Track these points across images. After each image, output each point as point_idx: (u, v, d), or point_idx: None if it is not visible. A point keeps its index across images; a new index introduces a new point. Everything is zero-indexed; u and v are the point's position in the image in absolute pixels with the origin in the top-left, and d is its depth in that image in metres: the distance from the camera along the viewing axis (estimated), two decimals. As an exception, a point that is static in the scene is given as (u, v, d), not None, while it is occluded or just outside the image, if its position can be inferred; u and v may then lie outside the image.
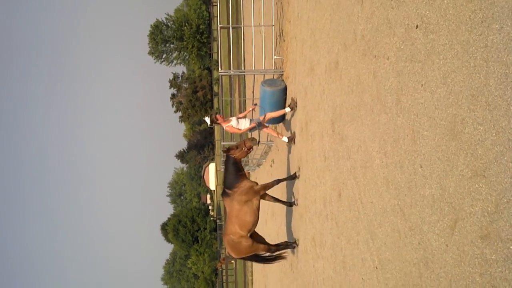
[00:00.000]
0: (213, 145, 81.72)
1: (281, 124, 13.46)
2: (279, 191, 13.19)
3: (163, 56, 79.43)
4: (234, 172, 10.14)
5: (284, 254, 11.20)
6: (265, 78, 12.83)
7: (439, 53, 3.99)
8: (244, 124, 11.50)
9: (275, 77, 12.94)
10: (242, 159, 11.09)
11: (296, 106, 11.06)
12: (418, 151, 4.40)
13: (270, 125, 13.36)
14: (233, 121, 11.47)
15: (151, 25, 75.95)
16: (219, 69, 13.02)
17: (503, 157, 3.11)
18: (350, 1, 6.50)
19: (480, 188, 3.38)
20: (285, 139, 11.87)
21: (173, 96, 75.89)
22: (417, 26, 4.43)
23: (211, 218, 75.95)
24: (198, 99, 69.98)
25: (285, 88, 12.07)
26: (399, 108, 4.86)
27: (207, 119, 76.12)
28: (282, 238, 13.01)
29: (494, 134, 3.21)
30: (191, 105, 70.50)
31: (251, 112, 12.14)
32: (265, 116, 11.61)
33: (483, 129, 3.34)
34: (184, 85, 75.45)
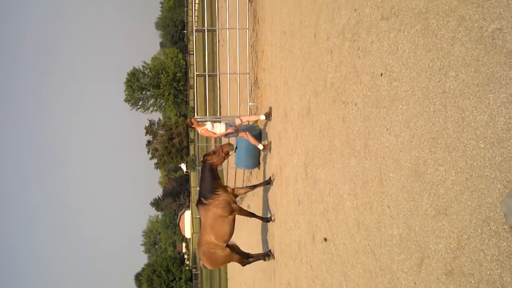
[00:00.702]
0: (189, 192, 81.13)
1: (255, 170, 13.61)
2: (254, 236, 13.19)
3: (139, 103, 79.70)
4: (210, 179, 9.92)
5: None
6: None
7: (402, 99, 4.23)
8: (220, 129, 11.32)
9: (250, 123, 13.18)
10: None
11: (270, 116, 11.16)
12: (386, 192, 4.58)
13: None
14: (208, 125, 11.32)
15: (127, 72, 76.54)
16: (195, 115, 13.24)
17: (462, 195, 3.30)
18: (320, 51, 6.81)
19: (443, 226, 3.54)
20: (261, 146, 11.75)
21: (149, 142, 75.72)
22: (381, 74, 4.69)
23: (187, 268, 74.55)
24: (174, 145, 69.96)
25: (260, 134, 12.30)
26: (367, 151, 5.07)
27: (183, 166, 75.89)
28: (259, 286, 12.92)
29: (453, 174, 3.41)
30: (167, 152, 70.35)
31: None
32: (241, 119, 11.56)
33: (444, 169, 3.54)
34: (160, 132, 75.46)
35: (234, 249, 10.53)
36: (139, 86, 76.13)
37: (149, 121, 75.33)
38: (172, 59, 75.81)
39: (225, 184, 11.74)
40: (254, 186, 11.29)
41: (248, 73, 13.48)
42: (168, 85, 71.77)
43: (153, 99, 78.22)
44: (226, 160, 10.80)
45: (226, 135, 11.45)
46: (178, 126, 71.80)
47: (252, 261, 11.12)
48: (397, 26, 4.37)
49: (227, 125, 11.40)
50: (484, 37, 3.10)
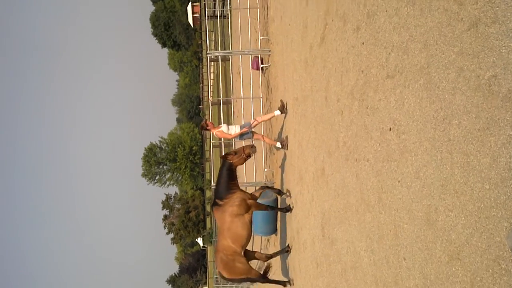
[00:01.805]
0: (206, 268, 79.85)
1: (273, 236, 13.57)
2: None
3: (156, 178, 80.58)
4: (227, 180, 9.70)
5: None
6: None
7: (411, 151, 4.40)
8: (235, 130, 11.28)
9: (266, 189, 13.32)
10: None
11: (286, 109, 11.09)
12: (401, 244, 4.64)
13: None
14: (223, 127, 11.25)
15: (145, 148, 78.09)
16: (212, 185, 13.43)
17: (472, 238, 3.38)
18: (332, 113, 7.08)
19: (456, 271, 3.59)
20: (279, 145, 11.65)
21: (166, 217, 75.76)
22: (390, 129, 4.90)
23: None
24: (191, 219, 69.85)
25: (276, 199, 12.41)
26: (381, 205, 5.17)
27: (200, 240, 75.31)
28: None
29: (463, 218, 3.51)
30: (184, 226, 70.16)
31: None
32: (256, 120, 11.50)
33: (454, 215, 3.64)
34: (177, 206, 75.66)
35: (251, 256, 10.23)
36: (156, 161, 77.36)
37: (166, 195, 75.81)
38: (188, 134, 77.46)
39: None
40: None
41: (264, 140, 13.77)
42: (185, 158, 72.85)
43: (169, 173, 79.10)
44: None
45: (241, 135, 11.36)
46: (195, 199, 72.06)
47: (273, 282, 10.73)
48: (402, 83, 4.62)
49: (242, 127, 11.36)
50: (481, 85, 3.31)
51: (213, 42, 38.26)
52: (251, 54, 14.97)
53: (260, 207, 10.13)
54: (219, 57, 15.23)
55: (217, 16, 27.98)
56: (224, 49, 26.57)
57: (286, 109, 11.20)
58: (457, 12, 3.68)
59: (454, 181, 3.63)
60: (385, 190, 5.05)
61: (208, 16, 22.00)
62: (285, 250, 10.99)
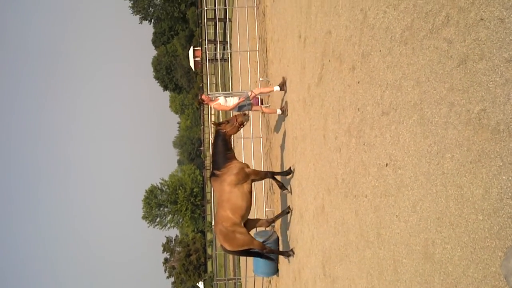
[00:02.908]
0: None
1: (274, 277, 13.44)
2: None
3: (157, 220, 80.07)
4: (223, 150, 9.50)
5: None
6: (257, 230, 13.17)
7: (407, 185, 4.48)
8: (233, 101, 11.07)
9: (266, 229, 13.29)
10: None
11: (284, 86, 10.99)
12: (401, 279, 4.65)
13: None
14: (221, 99, 11.08)
15: (146, 190, 77.93)
16: (212, 224, 13.41)
17: (469, 269, 3.42)
18: (330, 150, 7.19)
19: (455, 303, 3.61)
20: (279, 111, 11.45)
21: (166, 260, 74.88)
22: (387, 164, 4.99)
23: None
24: (192, 263, 68.99)
25: (277, 239, 12.36)
26: (380, 241, 5.20)
27: (201, 285, 74.12)
28: None
29: (459, 250, 3.55)
30: (184, 270, 69.23)
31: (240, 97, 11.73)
32: (253, 92, 11.33)
33: (450, 247, 3.68)
34: (177, 249, 74.85)
35: (253, 225, 10.04)
36: (156, 203, 77.07)
37: (167, 238, 75.14)
38: (189, 175, 77.47)
39: None
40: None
41: (263, 180, 13.85)
42: (186, 200, 72.62)
43: (170, 215, 78.68)
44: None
45: (240, 107, 11.16)
46: (196, 242, 71.33)
47: (275, 252, 10.54)
48: (396, 119, 4.74)
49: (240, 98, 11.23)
50: (472, 119, 3.42)
51: (214, 84, 38.84)
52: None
53: (260, 174, 9.89)
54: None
55: (218, 59, 28.57)
56: (225, 91, 26.97)
57: (286, 87, 11.05)
58: (447, 50, 3.84)
59: (449, 214, 3.70)
60: (383, 225, 5.09)
61: (209, 60, 22.47)
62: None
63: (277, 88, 11.41)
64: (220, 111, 11.26)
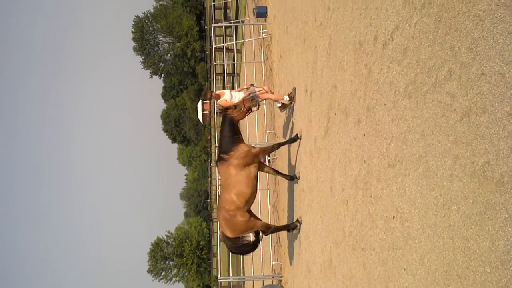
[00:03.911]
0: None
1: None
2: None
3: (162, 274, 78.75)
4: (231, 134, 9.30)
5: None
6: (264, 284, 12.97)
7: (415, 238, 4.46)
8: (238, 97, 10.85)
9: (274, 283, 13.08)
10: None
11: (294, 98, 10.78)
12: (410, 335, 4.55)
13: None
14: (226, 95, 10.90)
15: (151, 243, 77.09)
16: (218, 276, 13.23)
17: (479, 324, 3.36)
18: (337, 202, 7.19)
19: None
20: (286, 97, 11.15)
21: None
22: (394, 217, 4.98)
23: None
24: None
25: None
26: (388, 295, 5.12)
27: None
28: None
29: (469, 303, 3.51)
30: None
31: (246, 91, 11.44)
32: (263, 89, 11.11)
33: (459, 300, 3.63)
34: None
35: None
36: (162, 256, 76.06)
37: (172, 292, 73.57)
38: (196, 228, 76.82)
39: None
40: (279, 145, 10.59)
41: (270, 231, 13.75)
42: (192, 253, 71.62)
43: (176, 268, 77.44)
44: None
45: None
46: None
47: (276, 229, 10.33)
48: (402, 171, 4.78)
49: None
50: (476, 171, 3.46)
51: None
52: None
53: (266, 150, 9.77)
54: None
55: (226, 112, 28.85)
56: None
57: (294, 99, 10.93)
58: (450, 104, 3.92)
59: (457, 266, 3.67)
60: (391, 279, 5.03)
61: (217, 113, 22.78)
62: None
63: (286, 97, 11.30)
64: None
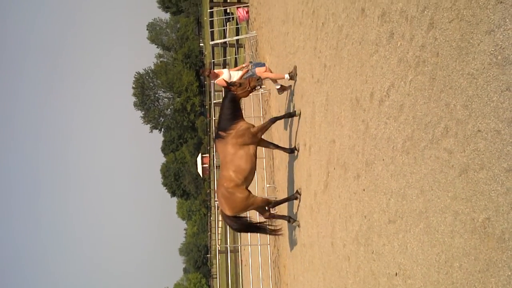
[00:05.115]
0: None
1: None
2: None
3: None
4: (231, 111, 9.03)
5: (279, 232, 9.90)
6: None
7: (418, 296, 4.38)
8: (237, 76, 10.54)
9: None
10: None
11: (295, 76, 10.56)
12: None
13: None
14: (225, 74, 10.56)
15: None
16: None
17: None
18: (339, 258, 7.09)
19: None
20: (287, 76, 10.82)
21: None
22: (396, 274, 4.91)
23: None
24: None
25: None
26: None
27: None
28: None
29: None
30: None
31: (245, 68, 11.17)
32: (266, 68, 10.80)
33: None
34: None
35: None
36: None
37: None
38: (195, 285, 75.29)
39: None
40: (275, 119, 10.30)
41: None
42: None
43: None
44: None
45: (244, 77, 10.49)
46: None
47: (277, 203, 10.07)
48: (403, 227, 4.76)
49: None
50: (477, 227, 3.45)
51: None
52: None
53: (265, 126, 9.54)
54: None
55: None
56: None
57: (296, 78, 10.76)
58: (448, 160, 3.96)
59: (463, 325, 3.59)
60: (396, 338, 4.90)
61: (216, 166, 22.86)
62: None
63: (287, 76, 11.07)
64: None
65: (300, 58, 10.35)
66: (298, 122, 10.26)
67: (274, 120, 10.07)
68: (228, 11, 24.48)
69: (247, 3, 23.15)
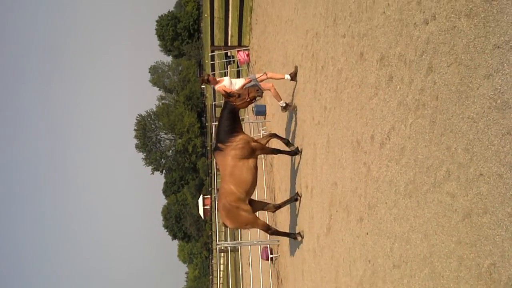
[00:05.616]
0: None
1: None
2: None
3: None
4: (230, 123, 8.80)
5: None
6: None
7: None
8: (238, 84, 10.21)
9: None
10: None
11: (296, 77, 10.33)
12: None
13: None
14: (225, 81, 10.23)
15: None
16: None
17: None
18: (343, 304, 6.94)
19: None
20: (287, 76, 10.67)
21: None
22: (402, 321, 4.79)
23: None
24: None
25: None
26: None
27: None
28: None
29: None
30: None
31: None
32: (265, 73, 10.47)
33: None
34: None
35: (258, 207, 9.20)
36: None
37: None
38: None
39: None
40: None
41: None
42: None
43: None
44: None
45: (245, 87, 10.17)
46: None
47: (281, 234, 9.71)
48: (408, 272, 4.67)
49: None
50: (482, 273, 3.39)
51: (222, 233, 38.65)
52: (260, 244, 15.09)
53: (266, 149, 9.29)
54: (229, 247, 15.34)
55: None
56: (234, 240, 26.78)
57: (296, 78, 10.66)
58: (451, 204, 3.92)
59: None
60: None
61: (217, 208, 22.72)
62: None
63: (287, 76, 10.97)
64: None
65: (301, 100, 10.43)
66: (299, 163, 10.25)
67: (277, 152, 9.95)
68: (229, 54, 24.87)
69: (248, 46, 23.55)
